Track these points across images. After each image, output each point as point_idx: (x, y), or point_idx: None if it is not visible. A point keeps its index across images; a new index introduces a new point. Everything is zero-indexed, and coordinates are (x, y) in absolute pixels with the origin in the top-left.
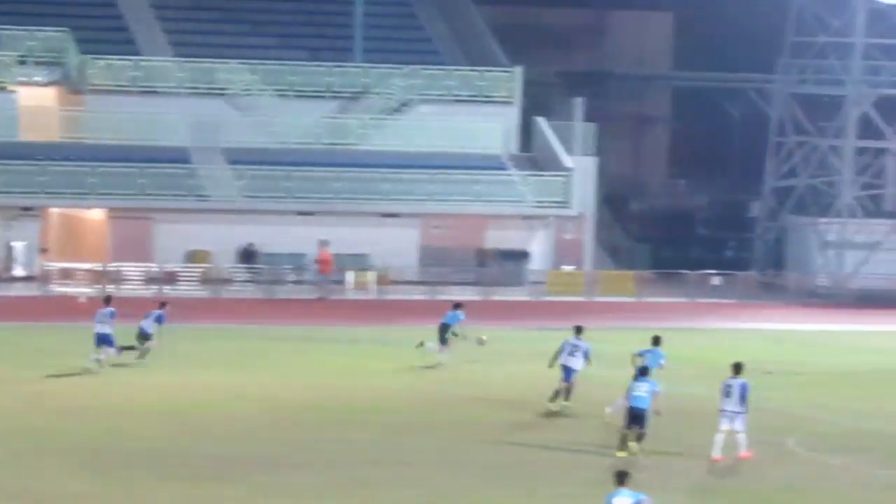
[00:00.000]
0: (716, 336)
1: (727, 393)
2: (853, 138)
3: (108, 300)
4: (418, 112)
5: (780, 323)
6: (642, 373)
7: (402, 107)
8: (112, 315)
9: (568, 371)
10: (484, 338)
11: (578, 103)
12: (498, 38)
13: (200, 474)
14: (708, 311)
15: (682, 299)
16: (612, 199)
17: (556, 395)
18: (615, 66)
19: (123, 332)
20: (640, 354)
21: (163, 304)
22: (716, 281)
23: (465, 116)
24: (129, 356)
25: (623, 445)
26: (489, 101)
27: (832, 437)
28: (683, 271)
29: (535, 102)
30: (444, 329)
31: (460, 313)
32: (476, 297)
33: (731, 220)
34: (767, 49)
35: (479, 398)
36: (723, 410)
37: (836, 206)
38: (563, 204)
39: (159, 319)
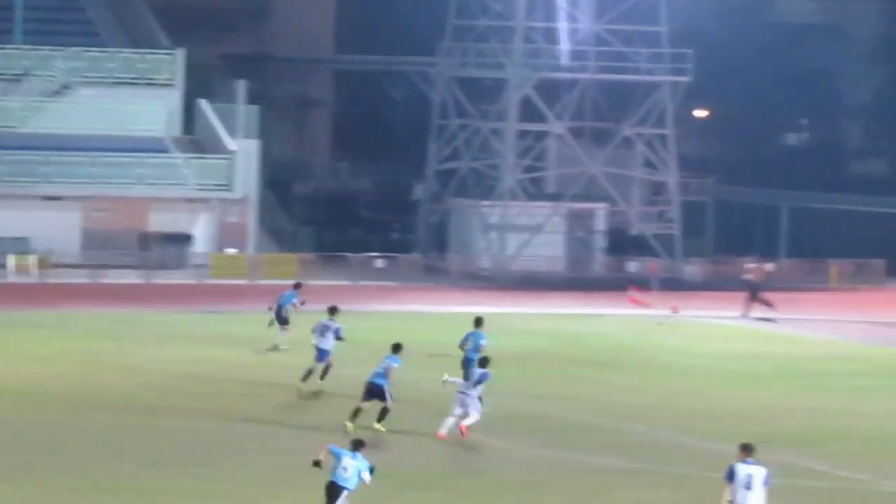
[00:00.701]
0: (379, 319)
1: (467, 378)
2: (515, 121)
3: None
4: (80, 95)
5: (443, 305)
6: (395, 350)
7: (64, 89)
8: None
9: (320, 352)
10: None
11: (241, 86)
12: (160, 20)
13: None
14: (372, 294)
15: (346, 282)
16: (276, 183)
17: (308, 374)
18: (278, 49)
19: None
20: (465, 338)
21: None
22: (379, 263)
23: (128, 99)
24: None
25: (353, 417)
26: (151, 83)
27: (496, 420)
28: (347, 254)
29: (198, 85)
30: (280, 310)
31: (294, 293)
32: (139, 281)
33: (395, 203)
34: (430, 32)
35: (148, 381)
36: (463, 394)
37: (498, 188)
38: (226, 187)
39: None
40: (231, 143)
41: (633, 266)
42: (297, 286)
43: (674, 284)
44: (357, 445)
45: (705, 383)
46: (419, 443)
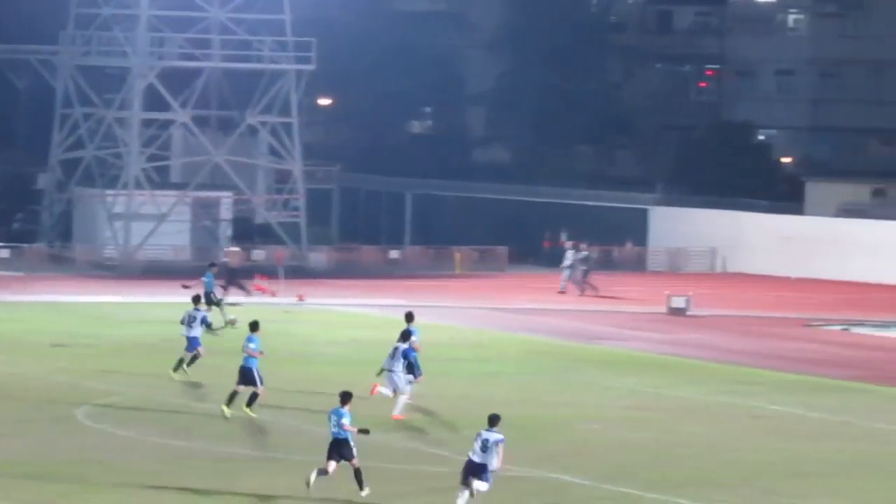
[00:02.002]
0: (5, 309)
1: (392, 355)
2: (139, 110)
3: None
4: None
5: (69, 295)
6: (252, 329)
7: None
8: None
9: (189, 340)
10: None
11: None
12: None
13: None
14: None
15: None
16: None
17: (180, 363)
18: None
19: None
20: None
21: None
22: (4, 254)
23: None
24: None
25: (229, 402)
26: None
27: (122, 409)
28: None
29: None
30: (209, 294)
31: (211, 274)
32: None
33: (18, 193)
34: (52, 20)
35: None
36: (390, 371)
37: (123, 177)
38: None
39: None
40: None
41: (259, 254)
42: (212, 265)
43: (300, 273)
44: (343, 399)
45: (332, 371)
46: (38, 433)
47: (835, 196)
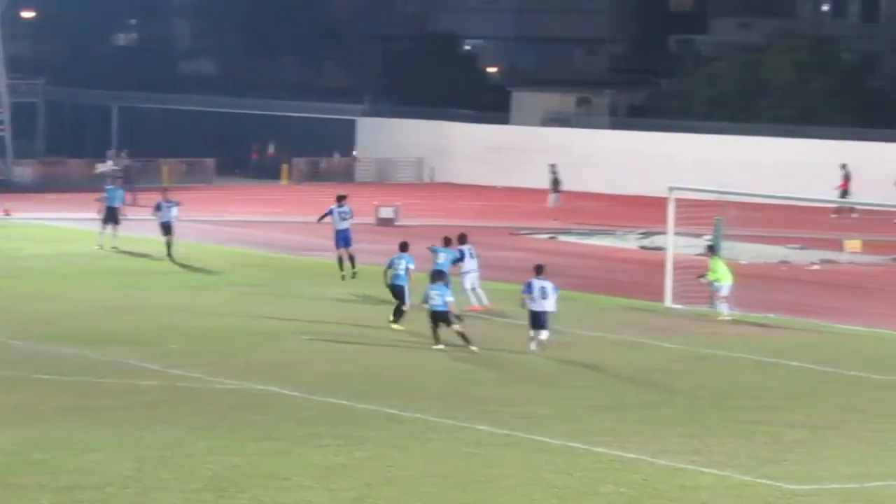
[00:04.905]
0: None
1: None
2: None
3: None
4: None
5: None
6: (402, 248)
7: None
8: None
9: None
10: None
11: None
12: None
13: None
14: None
15: None
16: None
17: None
18: None
19: None
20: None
21: None
22: None
23: None
24: None
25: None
26: None
27: None
28: None
29: None
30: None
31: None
32: None
33: None
34: None
35: None
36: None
37: None
38: None
39: None
40: None
41: None
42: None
43: (5, 187)
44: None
45: (40, 286)
46: None
47: (540, 105)
